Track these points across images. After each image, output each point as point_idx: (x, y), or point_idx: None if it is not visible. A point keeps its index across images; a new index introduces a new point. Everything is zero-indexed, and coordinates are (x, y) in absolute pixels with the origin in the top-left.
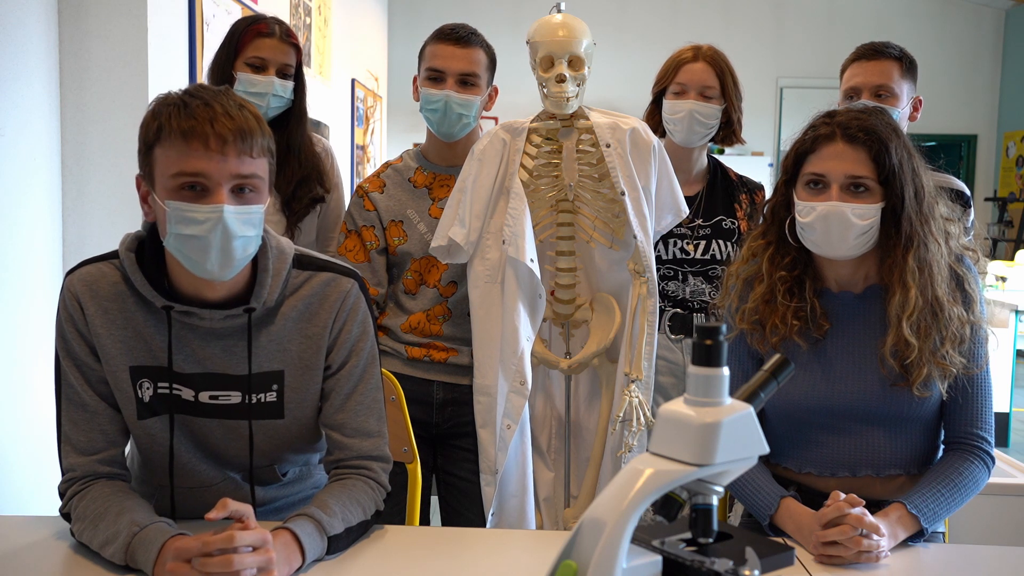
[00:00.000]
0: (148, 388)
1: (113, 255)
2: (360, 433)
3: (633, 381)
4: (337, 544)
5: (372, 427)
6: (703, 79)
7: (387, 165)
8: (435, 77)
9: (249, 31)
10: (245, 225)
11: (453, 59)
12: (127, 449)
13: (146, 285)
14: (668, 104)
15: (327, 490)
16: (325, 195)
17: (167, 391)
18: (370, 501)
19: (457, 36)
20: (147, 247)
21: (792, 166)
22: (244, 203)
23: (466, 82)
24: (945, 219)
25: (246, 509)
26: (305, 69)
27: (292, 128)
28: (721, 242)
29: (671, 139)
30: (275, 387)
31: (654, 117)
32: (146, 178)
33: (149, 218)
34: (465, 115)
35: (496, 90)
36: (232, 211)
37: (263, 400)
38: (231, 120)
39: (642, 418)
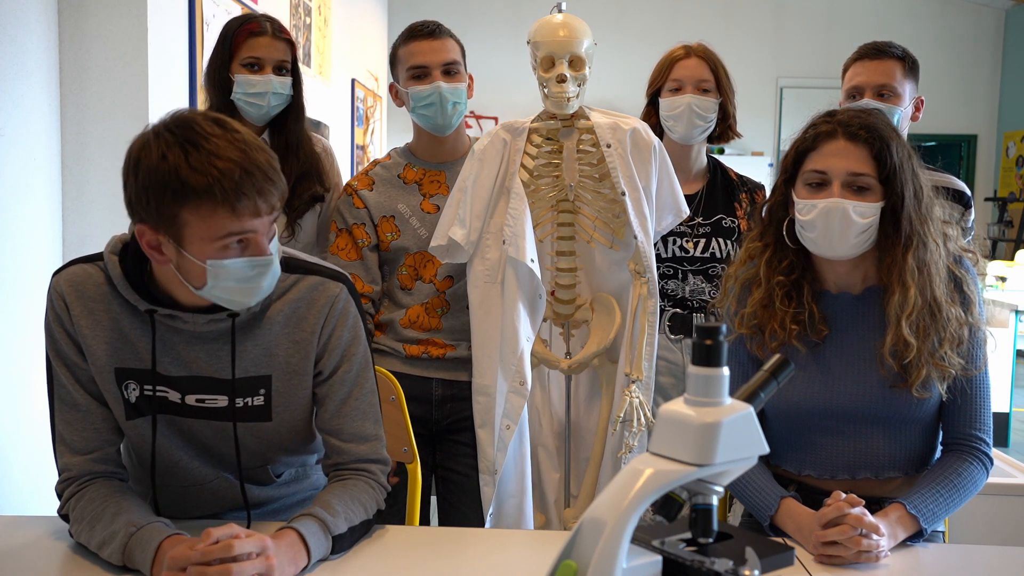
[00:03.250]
0: (134, 389)
1: (99, 256)
2: (357, 438)
3: (633, 381)
4: (341, 544)
5: (369, 431)
6: (698, 73)
7: (375, 163)
8: (420, 74)
9: (241, 32)
10: (277, 256)
11: (433, 52)
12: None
13: (129, 289)
14: (666, 101)
15: (329, 490)
16: (325, 194)
17: (152, 393)
18: (371, 501)
19: (429, 31)
20: (131, 251)
21: (792, 165)
22: (271, 238)
23: (450, 71)
24: (942, 221)
25: (231, 531)
26: (305, 69)
27: (290, 124)
28: (721, 240)
29: (670, 137)
30: (262, 391)
31: (650, 119)
32: (166, 232)
33: (161, 263)
34: (458, 103)
35: (472, 78)
36: (273, 251)
37: (250, 404)
38: (268, 178)
39: (642, 418)
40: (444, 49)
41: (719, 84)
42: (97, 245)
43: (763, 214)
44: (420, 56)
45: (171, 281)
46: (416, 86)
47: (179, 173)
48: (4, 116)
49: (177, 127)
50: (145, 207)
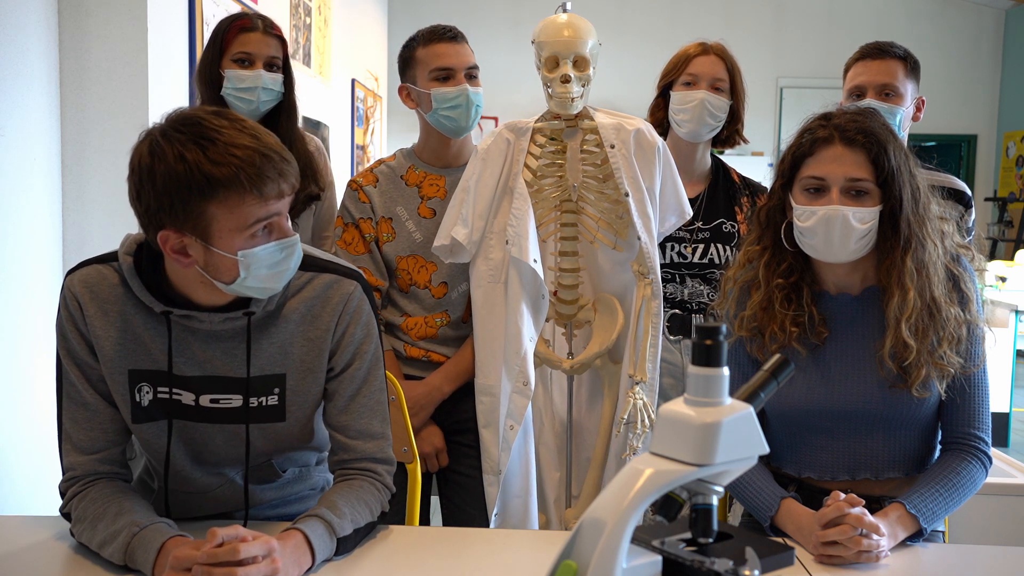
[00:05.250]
0: (148, 392)
1: (113, 256)
2: (364, 435)
3: (637, 383)
4: (345, 545)
5: (375, 429)
6: (714, 71)
7: (380, 162)
8: (446, 76)
9: (232, 28)
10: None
11: (457, 55)
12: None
13: (144, 291)
14: (678, 95)
15: (335, 491)
16: (320, 193)
17: (167, 395)
18: (376, 502)
19: (453, 34)
20: (146, 252)
21: (789, 169)
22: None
23: (472, 75)
24: (939, 218)
25: (236, 532)
26: (305, 69)
27: (283, 123)
28: (720, 246)
29: (676, 133)
30: (276, 390)
31: (659, 112)
32: (192, 232)
33: (187, 266)
34: (479, 107)
35: None
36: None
37: (264, 403)
38: (283, 158)
39: (646, 420)
40: (467, 53)
41: (733, 86)
42: (97, 245)
43: (760, 217)
44: (445, 58)
45: (187, 281)
46: (442, 88)
47: (202, 169)
48: (4, 116)
49: (185, 126)
50: (168, 211)
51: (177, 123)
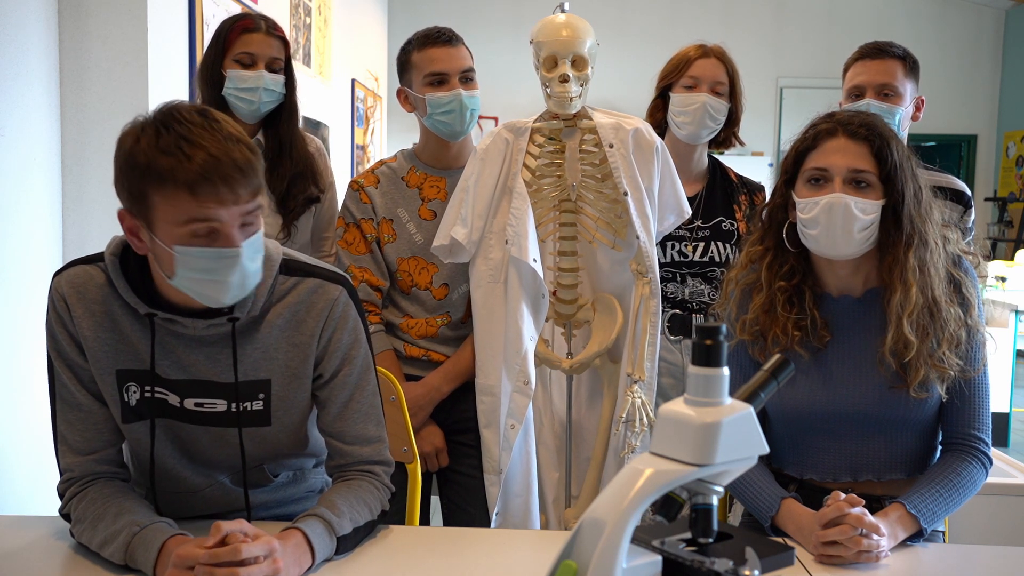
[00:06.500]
0: (135, 392)
1: (100, 257)
2: (360, 440)
3: (636, 382)
4: (345, 544)
5: (371, 433)
6: (715, 74)
7: (381, 163)
8: (439, 81)
9: (235, 28)
10: (256, 255)
11: (452, 59)
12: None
13: (129, 292)
14: (679, 97)
15: (334, 490)
16: (320, 195)
17: (152, 394)
18: (376, 501)
19: (447, 37)
20: (132, 253)
21: (792, 165)
22: (249, 234)
23: (467, 79)
24: (941, 224)
25: (240, 527)
26: (305, 69)
27: (283, 124)
28: (720, 244)
29: (675, 135)
30: (261, 396)
31: (657, 113)
32: (138, 215)
33: (141, 251)
34: (475, 110)
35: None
36: (245, 246)
37: (249, 408)
38: (237, 168)
39: (645, 419)
40: (461, 56)
41: (732, 89)
42: (97, 245)
43: (763, 217)
44: (439, 63)
45: (166, 281)
46: (435, 92)
47: (147, 154)
48: (4, 116)
49: (159, 114)
50: (122, 189)
51: (157, 110)
